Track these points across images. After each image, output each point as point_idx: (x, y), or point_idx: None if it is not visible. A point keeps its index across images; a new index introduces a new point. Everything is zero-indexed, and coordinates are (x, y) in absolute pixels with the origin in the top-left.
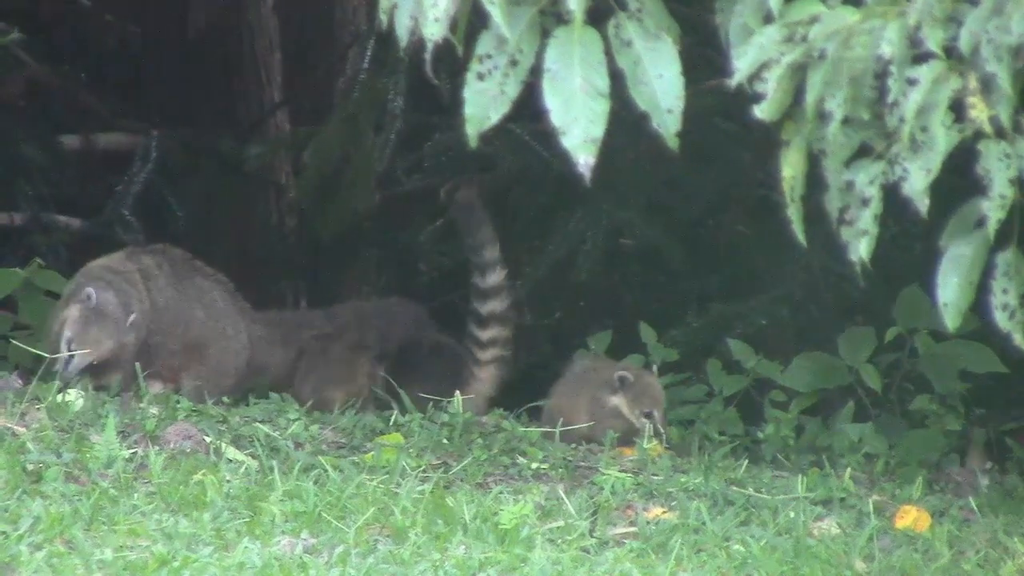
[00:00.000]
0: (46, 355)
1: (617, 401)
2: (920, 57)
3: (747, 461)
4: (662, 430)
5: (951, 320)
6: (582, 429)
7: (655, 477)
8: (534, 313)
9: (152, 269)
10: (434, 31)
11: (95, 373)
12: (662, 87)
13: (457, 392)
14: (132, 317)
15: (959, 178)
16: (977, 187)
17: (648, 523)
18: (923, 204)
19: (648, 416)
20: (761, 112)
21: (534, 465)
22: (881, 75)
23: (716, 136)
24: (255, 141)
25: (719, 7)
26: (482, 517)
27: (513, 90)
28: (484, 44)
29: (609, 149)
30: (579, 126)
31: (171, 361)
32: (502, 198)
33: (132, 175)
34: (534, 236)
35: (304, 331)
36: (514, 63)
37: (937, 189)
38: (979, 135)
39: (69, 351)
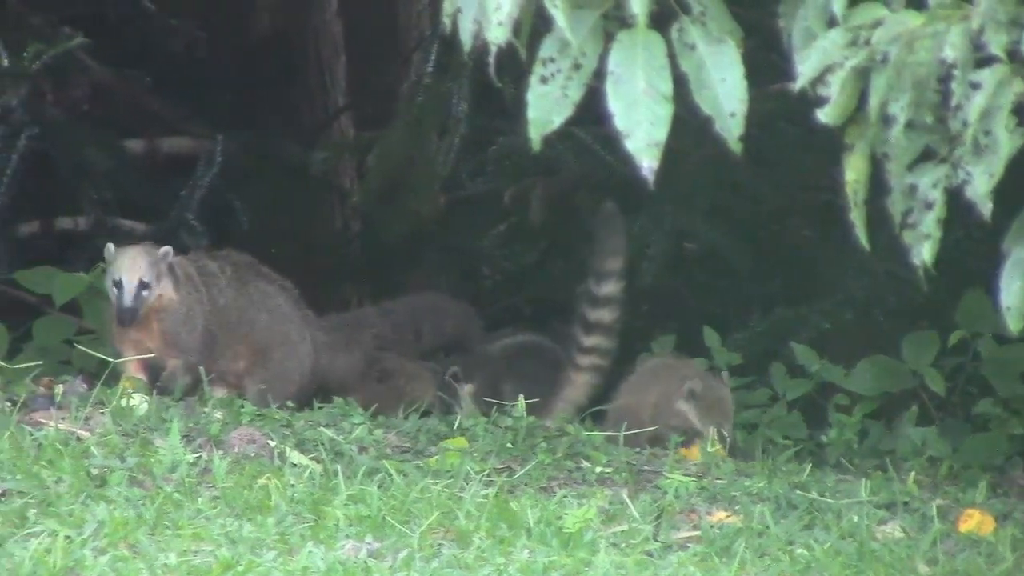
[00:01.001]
0: (110, 359)
1: (686, 408)
2: (983, 61)
3: (811, 465)
4: (727, 436)
5: (1014, 323)
6: (648, 430)
7: (719, 481)
8: None
9: (213, 271)
10: (497, 35)
11: (152, 366)
12: (725, 91)
13: (521, 396)
14: (164, 248)
15: (1023, 181)
16: None
17: (712, 527)
18: (986, 207)
19: (719, 428)
20: (825, 116)
21: (598, 469)
22: (944, 79)
23: (780, 140)
24: (319, 145)
25: (782, 11)
26: (546, 521)
27: (576, 93)
28: (547, 48)
29: (673, 153)
30: (642, 129)
31: (235, 365)
32: (566, 202)
33: (196, 179)
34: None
35: (364, 332)
36: (577, 66)
37: (1000, 192)
38: None
39: (115, 284)
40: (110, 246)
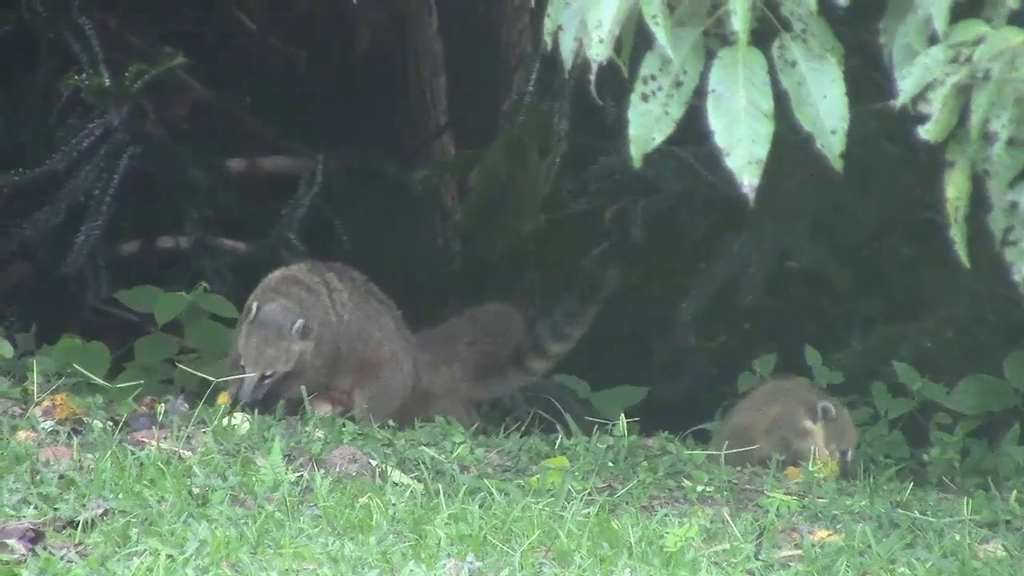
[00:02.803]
0: (211, 378)
1: (813, 429)
2: None
3: (912, 483)
4: (850, 461)
5: None
6: (757, 449)
7: (820, 500)
8: (698, 336)
9: (335, 283)
10: (598, 52)
11: (279, 387)
12: (826, 108)
13: (622, 415)
14: (298, 323)
15: None
16: None
17: (813, 546)
18: None
19: (843, 454)
20: (926, 133)
21: (699, 488)
22: None
23: (881, 158)
24: (420, 164)
25: (884, 28)
26: (647, 540)
27: (677, 111)
28: (648, 65)
29: (773, 171)
30: (743, 147)
31: (346, 380)
32: (666, 221)
33: (297, 198)
34: (699, 259)
35: (458, 342)
36: (678, 84)
37: None
38: None
39: (242, 370)
40: (253, 305)
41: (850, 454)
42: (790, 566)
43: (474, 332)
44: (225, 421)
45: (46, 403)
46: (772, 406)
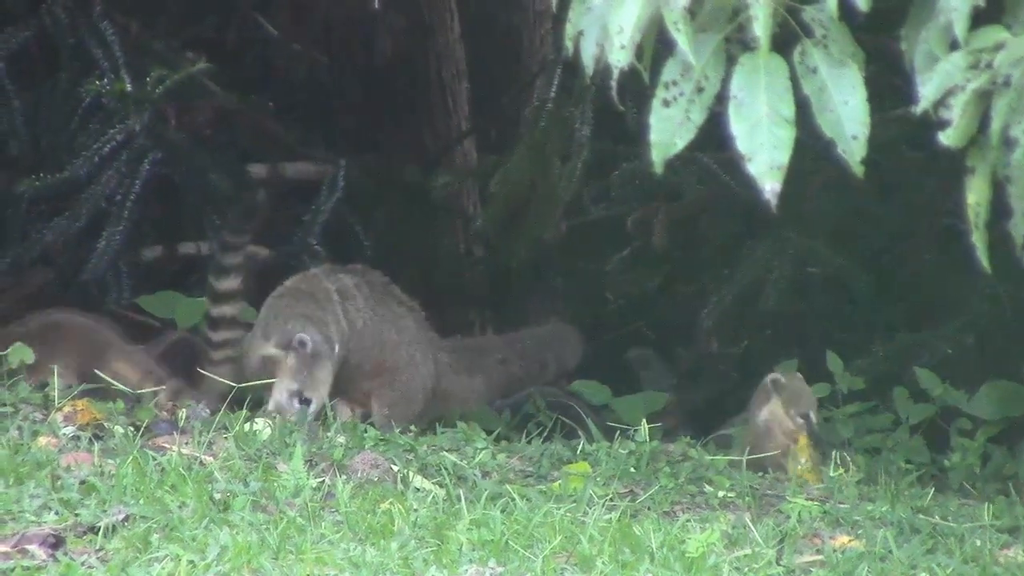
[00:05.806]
0: (233, 384)
1: (772, 406)
2: None
3: (933, 489)
4: (817, 431)
5: None
6: (773, 457)
7: (842, 505)
8: (720, 342)
9: (350, 288)
10: (620, 58)
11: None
12: (847, 114)
13: (644, 421)
14: (296, 339)
15: None
16: None
17: (835, 551)
18: None
19: (804, 417)
20: (946, 139)
21: (721, 493)
22: None
23: (902, 164)
24: (442, 170)
25: (904, 34)
26: (669, 545)
27: (698, 116)
28: (670, 71)
29: (795, 178)
30: (765, 152)
31: (363, 384)
32: (689, 227)
33: (319, 204)
34: (721, 265)
35: (488, 357)
36: (700, 90)
37: None
38: None
39: (302, 401)
40: (303, 338)
41: (813, 417)
42: (811, 571)
43: (509, 353)
44: (247, 427)
45: (67, 408)
46: (755, 412)
